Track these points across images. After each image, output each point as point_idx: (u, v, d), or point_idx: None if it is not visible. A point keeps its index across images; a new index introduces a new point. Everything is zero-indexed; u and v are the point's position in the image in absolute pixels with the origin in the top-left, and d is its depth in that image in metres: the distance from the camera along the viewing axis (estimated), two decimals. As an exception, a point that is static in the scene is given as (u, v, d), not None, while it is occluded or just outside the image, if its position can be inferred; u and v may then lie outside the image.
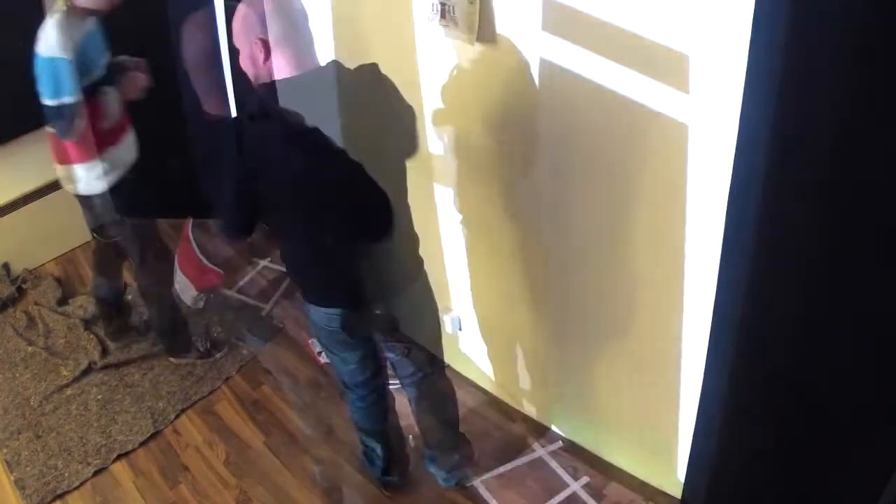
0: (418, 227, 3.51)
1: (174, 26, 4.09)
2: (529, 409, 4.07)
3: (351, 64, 2.94)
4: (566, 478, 3.72)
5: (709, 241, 2.63)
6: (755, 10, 2.06)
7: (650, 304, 3.08)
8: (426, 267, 3.32)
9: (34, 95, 4.66)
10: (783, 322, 2.50)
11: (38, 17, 4.07)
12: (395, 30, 3.38)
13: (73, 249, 5.72)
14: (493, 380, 4.20)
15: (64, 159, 3.98)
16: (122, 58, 4.04)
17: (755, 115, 2.20)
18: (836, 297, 2.32)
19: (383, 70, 2.94)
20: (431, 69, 3.33)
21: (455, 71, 3.21)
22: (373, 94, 3.05)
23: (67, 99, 3.62)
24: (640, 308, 3.13)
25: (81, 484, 3.94)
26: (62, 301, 5.19)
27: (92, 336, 4.84)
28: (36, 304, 5.16)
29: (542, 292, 3.54)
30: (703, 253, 2.70)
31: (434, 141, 3.59)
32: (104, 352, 4.75)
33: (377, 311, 3.38)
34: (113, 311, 4.78)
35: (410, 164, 3.52)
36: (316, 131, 2.67)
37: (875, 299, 2.24)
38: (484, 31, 2.96)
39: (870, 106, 1.98)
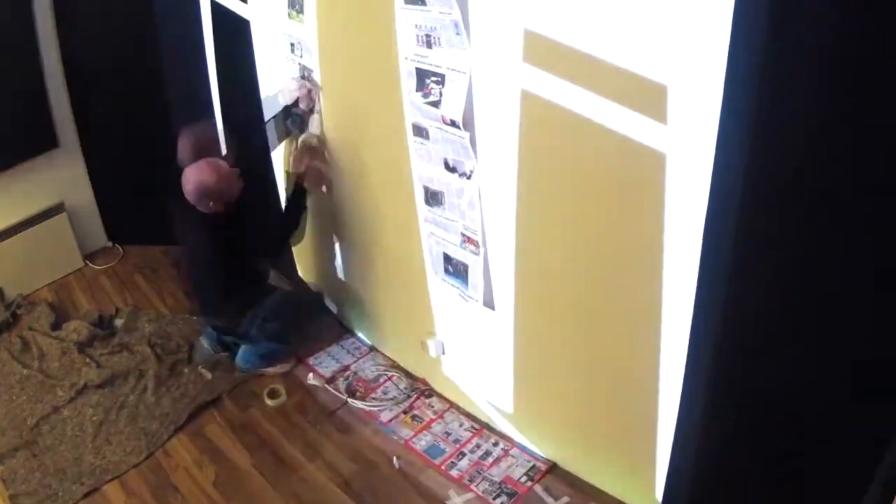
0: (403, 251, 3.52)
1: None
2: (510, 430, 4.07)
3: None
4: (546, 498, 3.71)
5: (686, 264, 2.65)
6: (731, 44, 2.10)
7: (628, 325, 3.08)
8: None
9: (28, 125, 4.74)
10: (759, 341, 2.51)
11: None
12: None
13: (66, 276, 5.74)
14: (475, 402, 4.20)
15: None
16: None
17: (730, 145, 2.23)
18: (810, 317, 2.35)
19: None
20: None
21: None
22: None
23: None
24: (617, 328, 3.13)
25: (75, 503, 3.92)
26: (56, 326, 5.16)
27: (87, 358, 4.83)
28: (30, 328, 5.13)
29: (522, 315, 3.55)
30: (681, 275, 2.71)
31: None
32: (99, 373, 4.72)
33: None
34: None
35: (396, 190, 3.55)
36: None
37: (847, 319, 2.26)
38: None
39: (840, 138, 2.03)
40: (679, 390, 2.90)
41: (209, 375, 4.72)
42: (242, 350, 4.75)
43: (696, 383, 2.80)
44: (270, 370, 4.76)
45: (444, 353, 4.23)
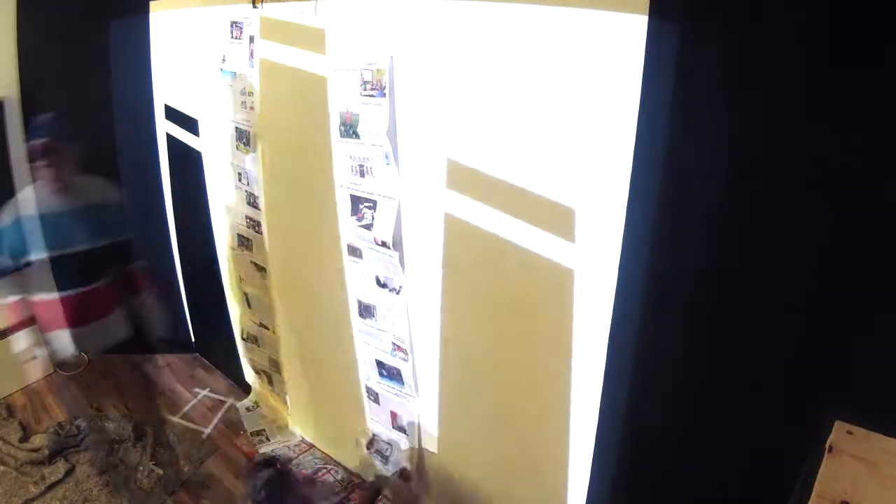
0: (339, 358, 3.38)
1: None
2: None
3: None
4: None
5: (593, 368, 2.60)
6: (632, 174, 2.17)
7: (541, 428, 2.98)
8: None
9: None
10: (658, 445, 2.52)
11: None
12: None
13: (37, 381, 5.53)
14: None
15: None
16: None
17: (632, 262, 2.29)
18: (705, 428, 2.34)
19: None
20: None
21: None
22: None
23: None
24: (531, 428, 3.03)
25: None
26: (23, 439, 4.93)
27: (57, 459, 4.67)
28: (2, 439, 4.92)
29: (446, 419, 3.45)
30: (588, 377, 2.65)
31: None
32: (70, 470, 4.55)
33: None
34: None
35: (333, 304, 3.42)
36: None
37: (739, 427, 2.25)
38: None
39: (726, 259, 2.09)
40: (587, 486, 2.86)
41: (160, 471, 4.50)
42: None
43: (602, 485, 2.79)
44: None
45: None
